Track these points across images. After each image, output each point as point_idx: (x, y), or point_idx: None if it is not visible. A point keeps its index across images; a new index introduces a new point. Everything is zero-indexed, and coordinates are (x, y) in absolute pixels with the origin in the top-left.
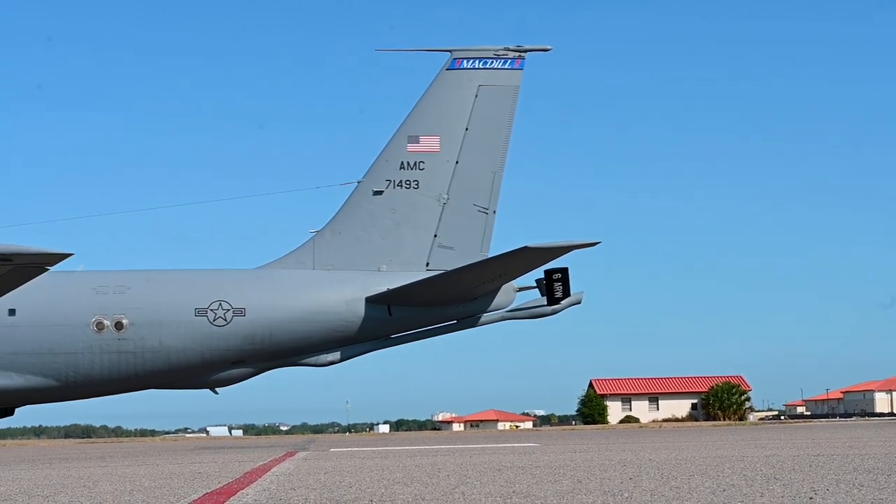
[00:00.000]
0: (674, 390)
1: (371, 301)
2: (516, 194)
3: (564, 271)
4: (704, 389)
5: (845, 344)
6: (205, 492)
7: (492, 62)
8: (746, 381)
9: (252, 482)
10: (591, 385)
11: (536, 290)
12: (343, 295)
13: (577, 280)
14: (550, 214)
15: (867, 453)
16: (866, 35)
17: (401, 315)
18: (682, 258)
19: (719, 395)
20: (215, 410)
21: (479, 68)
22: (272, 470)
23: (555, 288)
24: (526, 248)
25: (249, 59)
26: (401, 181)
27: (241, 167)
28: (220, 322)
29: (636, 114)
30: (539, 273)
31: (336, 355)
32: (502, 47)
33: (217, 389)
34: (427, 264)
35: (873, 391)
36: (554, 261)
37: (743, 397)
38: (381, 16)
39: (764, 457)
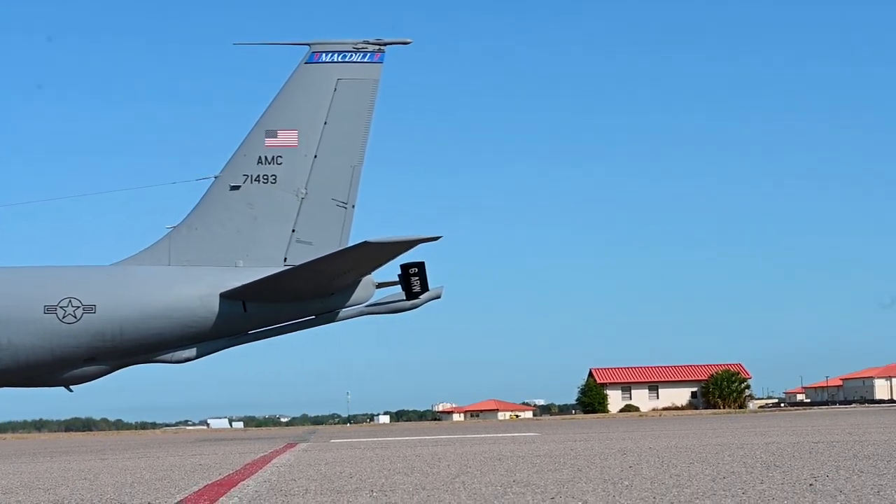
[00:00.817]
0: (673, 379)
1: (225, 297)
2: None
3: (421, 265)
4: (704, 378)
5: (845, 331)
6: (205, 483)
7: (351, 56)
8: (746, 368)
9: (253, 474)
10: (590, 374)
11: (398, 284)
12: (197, 291)
13: (577, 270)
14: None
15: (867, 440)
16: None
17: (256, 311)
18: (682, 248)
19: (719, 383)
20: (216, 403)
21: (337, 62)
22: (273, 461)
23: (412, 282)
24: (366, 242)
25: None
26: (258, 176)
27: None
28: (69, 319)
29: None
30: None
31: (192, 352)
32: (361, 41)
33: (72, 387)
34: (285, 259)
35: (873, 378)
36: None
37: (743, 385)
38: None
39: (764, 444)
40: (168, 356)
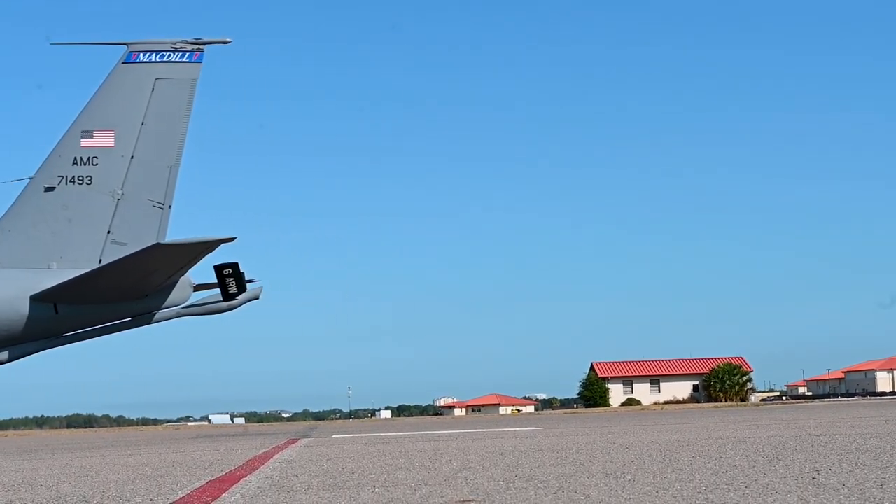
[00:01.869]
0: (675, 372)
1: (36, 299)
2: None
3: (235, 266)
4: (706, 371)
5: (846, 324)
6: (207, 479)
7: (169, 55)
8: (748, 362)
9: (254, 469)
10: (592, 368)
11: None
12: (6, 293)
13: (578, 264)
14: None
15: (869, 433)
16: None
17: (67, 313)
18: (683, 242)
19: (721, 376)
20: (217, 398)
21: (155, 62)
22: (275, 457)
23: (228, 283)
24: (157, 245)
25: None
26: (73, 177)
27: None
28: None
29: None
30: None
31: (4, 355)
32: (180, 40)
33: None
34: (100, 261)
35: (874, 371)
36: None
37: (744, 378)
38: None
39: (766, 437)
40: None
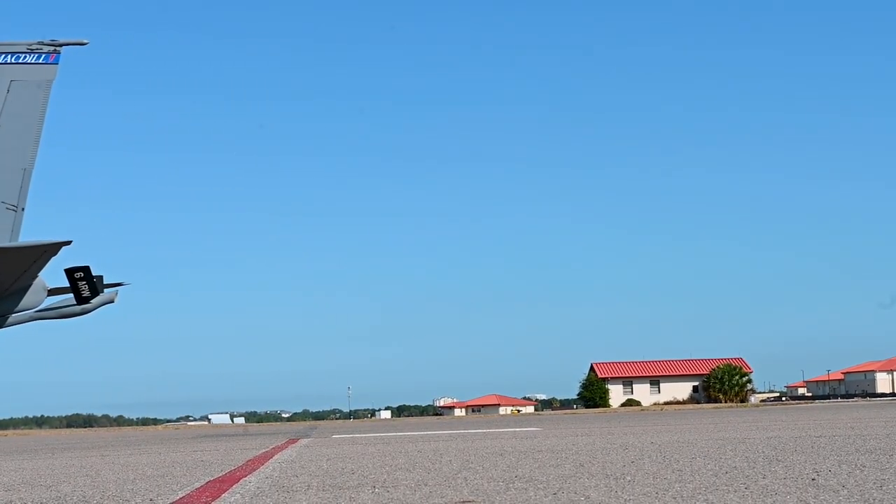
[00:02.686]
0: (675, 373)
1: None
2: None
3: (86, 269)
4: (705, 372)
5: (846, 325)
6: (207, 479)
7: (24, 57)
8: (747, 363)
9: (254, 470)
10: (592, 368)
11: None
12: None
13: (578, 265)
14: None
15: (869, 434)
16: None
17: None
18: (683, 242)
19: (721, 377)
20: (217, 398)
21: (10, 63)
22: (274, 457)
23: (80, 287)
24: None
25: None
26: None
27: None
28: None
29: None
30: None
31: None
32: (36, 42)
33: None
34: None
35: (874, 372)
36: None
37: (744, 379)
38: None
39: (766, 438)
40: None
